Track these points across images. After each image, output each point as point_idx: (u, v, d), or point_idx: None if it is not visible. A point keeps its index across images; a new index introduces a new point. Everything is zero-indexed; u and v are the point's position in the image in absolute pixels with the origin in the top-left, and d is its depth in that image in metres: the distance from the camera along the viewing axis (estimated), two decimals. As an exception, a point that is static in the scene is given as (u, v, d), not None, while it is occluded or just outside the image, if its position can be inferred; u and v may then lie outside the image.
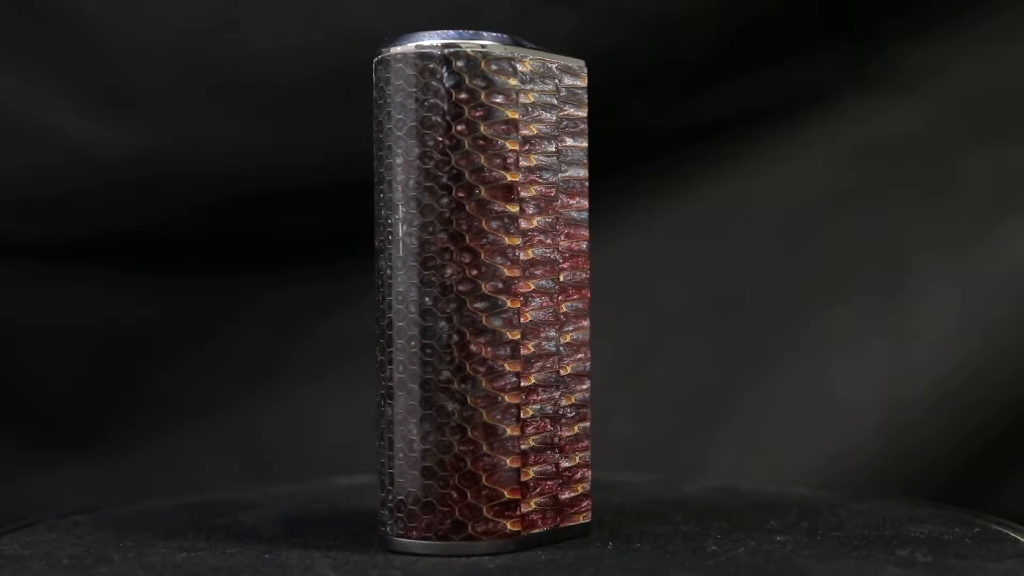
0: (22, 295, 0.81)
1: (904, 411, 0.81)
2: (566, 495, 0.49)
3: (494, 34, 0.47)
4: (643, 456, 0.82)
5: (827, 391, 0.82)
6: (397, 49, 0.47)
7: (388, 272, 0.47)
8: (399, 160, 0.46)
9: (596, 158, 0.80)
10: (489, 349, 0.47)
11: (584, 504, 0.50)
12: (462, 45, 0.47)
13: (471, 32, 0.47)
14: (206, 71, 0.78)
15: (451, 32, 0.47)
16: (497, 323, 0.47)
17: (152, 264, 0.82)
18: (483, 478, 0.47)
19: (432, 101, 0.46)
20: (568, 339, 0.49)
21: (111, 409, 0.83)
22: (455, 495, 0.46)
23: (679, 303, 0.84)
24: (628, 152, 0.82)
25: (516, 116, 0.47)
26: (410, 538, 0.47)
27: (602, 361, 0.83)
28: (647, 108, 0.82)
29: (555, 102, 0.49)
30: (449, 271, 0.46)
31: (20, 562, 0.48)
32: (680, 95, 0.82)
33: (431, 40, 0.47)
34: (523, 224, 0.47)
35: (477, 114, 0.47)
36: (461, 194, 0.46)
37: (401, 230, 0.46)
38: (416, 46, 0.47)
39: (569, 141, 0.49)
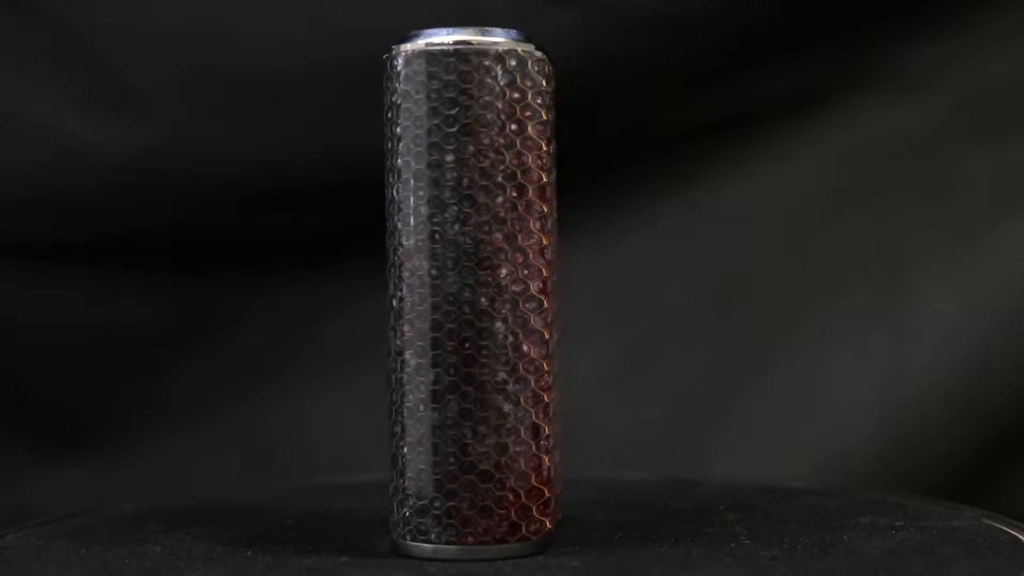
0: (22, 295, 0.81)
1: (904, 411, 0.81)
2: (556, 491, 0.50)
3: (514, 32, 0.47)
4: (643, 455, 0.82)
5: (827, 391, 0.82)
6: (444, 42, 0.46)
7: (434, 273, 0.46)
8: (450, 157, 0.46)
9: (597, 158, 0.81)
10: (535, 349, 0.47)
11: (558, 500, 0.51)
12: (512, 44, 0.47)
13: (515, 31, 0.47)
14: (206, 71, 0.77)
15: (498, 30, 0.47)
16: (540, 323, 0.47)
17: (152, 264, 0.82)
18: (532, 478, 0.47)
19: (487, 99, 0.46)
20: (554, 339, 0.50)
21: (111, 409, 0.83)
22: (511, 497, 0.46)
23: (679, 303, 0.84)
24: (629, 152, 0.82)
25: (547, 117, 0.48)
26: (465, 544, 0.46)
27: (603, 361, 0.84)
28: (648, 108, 0.82)
29: (551, 104, 0.49)
30: (504, 271, 0.46)
31: (20, 563, 0.47)
32: (681, 95, 0.82)
33: (487, 37, 0.46)
34: (548, 225, 0.48)
35: (527, 114, 0.47)
36: (514, 194, 0.46)
37: (453, 229, 0.46)
38: (468, 41, 0.46)
39: (552, 144, 0.50)
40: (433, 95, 0.46)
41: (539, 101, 0.47)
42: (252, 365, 0.84)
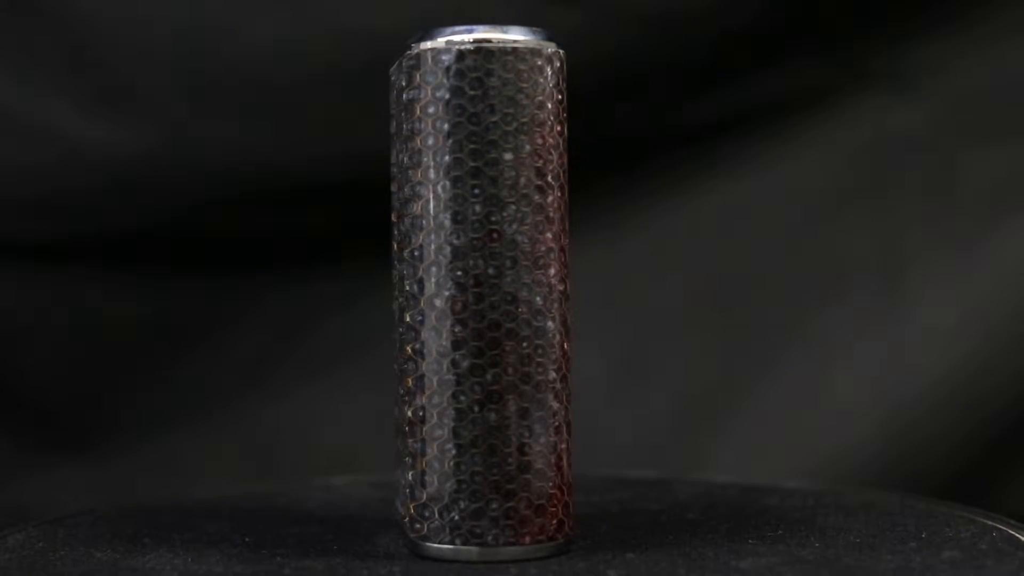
0: (22, 295, 0.81)
1: (904, 411, 0.81)
2: None
3: (541, 30, 0.47)
4: (644, 455, 0.82)
5: (827, 391, 0.82)
6: (502, 40, 0.46)
7: (491, 272, 0.46)
8: (508, 156, 0.46)
9: (598, 159, 0.81)
10: (572, 347, 0.47)
11: None
12: (554, 46, 0.47)
13: (542, 30, 0.47)
14: (206, 71, 0.77)
15: (543, 30, 0.47)
16: (573, 321, 0.47)
17: (152, 264, 0.82)
18: (569, 474, 0.47)
19: (540, 99, 0.46)
20: None
21: (111, 409, 0.83)
22: (559, 494, 0.47)
23: (679, 303, 0.84)
24: (629, 152, 0.82)
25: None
26: (522, 544, 0.46)
27: (603, 361, 0.84)
28: (648, 108, 0.82)
29: None
30: (553, 271, 0.46)
31: (20, 564, 0.47)
32: (681, 95, 0.82)
33: (532, 36, 0.46)
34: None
35: (565, 115, 0.47)
36: (559, 193, 0.47)
37: (511, 228, 0.46)
38: (525, 40, 0.46)
39: None
40: (492, 92, 0.46)
41: (567, 102, 0.47)
42: (252, 365, 0.84)
